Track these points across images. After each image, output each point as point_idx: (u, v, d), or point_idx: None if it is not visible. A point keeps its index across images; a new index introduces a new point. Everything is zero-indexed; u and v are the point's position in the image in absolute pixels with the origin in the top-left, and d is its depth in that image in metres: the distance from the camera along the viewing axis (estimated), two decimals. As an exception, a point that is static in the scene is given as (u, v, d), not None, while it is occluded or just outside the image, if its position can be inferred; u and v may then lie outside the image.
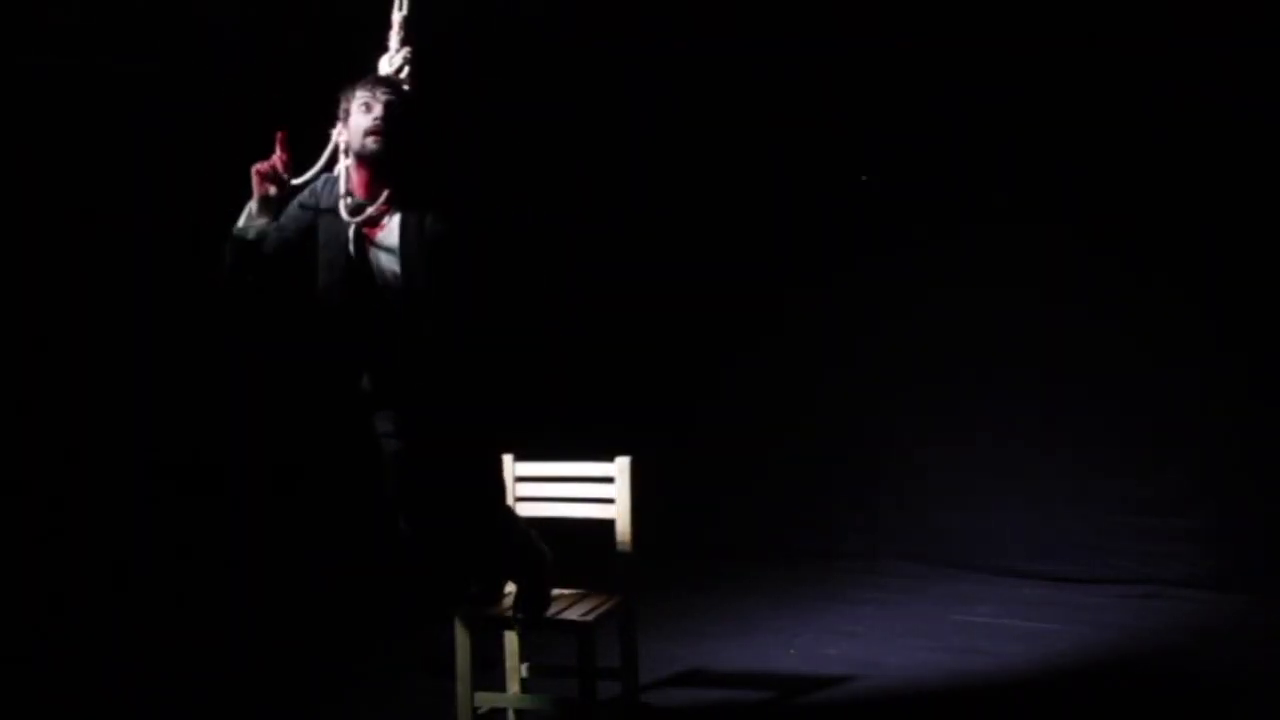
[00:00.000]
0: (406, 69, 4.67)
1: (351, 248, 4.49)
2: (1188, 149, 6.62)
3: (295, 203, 4.58)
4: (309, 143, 4.59)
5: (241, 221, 4.54)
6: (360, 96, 4.48)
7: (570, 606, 5.00)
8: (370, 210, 4.48)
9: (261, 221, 4.54)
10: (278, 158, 4.52)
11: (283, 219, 4.57)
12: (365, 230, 4.48)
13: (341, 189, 4.52)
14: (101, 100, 6.91)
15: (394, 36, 4.73)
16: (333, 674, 5.99)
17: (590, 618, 4.89)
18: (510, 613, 4.90)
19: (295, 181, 4.58)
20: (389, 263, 4.47)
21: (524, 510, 5.15)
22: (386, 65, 4.71)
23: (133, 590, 6.80)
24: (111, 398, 7.05)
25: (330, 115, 4.56)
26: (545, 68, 7.46)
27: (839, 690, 5.60)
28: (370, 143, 4.44)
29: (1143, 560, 6.77)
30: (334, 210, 4.51)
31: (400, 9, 4.74)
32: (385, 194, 4.47)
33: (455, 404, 4.55)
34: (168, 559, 7.02)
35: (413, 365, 4.53)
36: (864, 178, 7.37)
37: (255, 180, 4.51)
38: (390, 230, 4.47)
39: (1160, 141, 6.67)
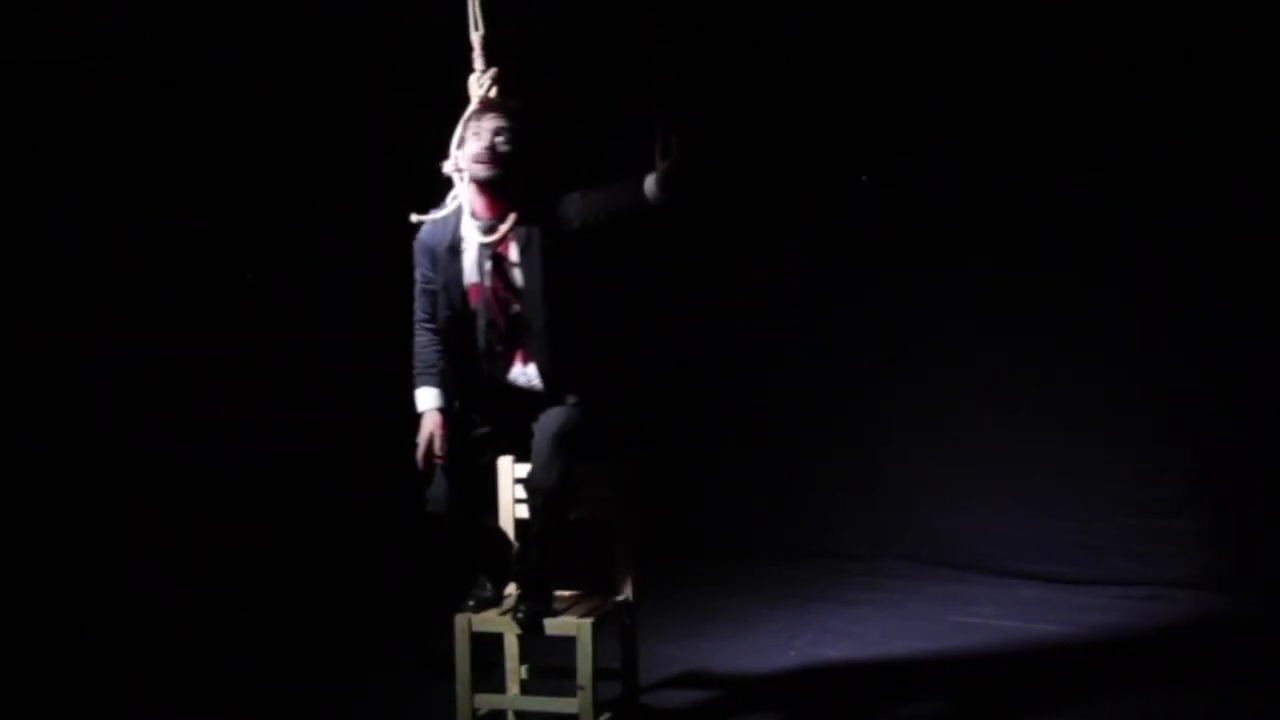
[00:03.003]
0: (496, 87, 4.78)
1: (488, 268, 4.71)
2: (1202, 121, 6.57)
3: (420, 250, 4.83)
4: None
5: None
6: (472, 125, 4.70)
7: (570, 608, 5.00)
8: (502, 229, 4.69)
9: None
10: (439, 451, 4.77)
11: (421, 279, 4.85)
12: (499, 250, 4.70)
13: (467, 214, 4.74)
14: (101, 101, 6.92)
15: (477, 57, 4.82)
16: (332, 675, 5.99)
17: (590, 619, 4.90)
18: (512, 613, 4.91)
19: (421, 218, 4.78)
20: (519, 277, 4.71)
21: (523, 512, 5.15)
22: (476, 87, 4.80)
23: (132, 589, 6.80)
24: (114, 397, 7.06)
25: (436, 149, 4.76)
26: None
27: (839, 690, 5.60)
28: (480, 169, 4.67)
29: (1142, 561, 6.77)
30: (451, 247, 4.75)
31: (477, 29, 4.81)
32: (513, 211, 4.68)
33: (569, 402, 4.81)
34: (167, 558, 7.02)
35: (555, 354, 4.76)
36: (863, 178, 7.36)
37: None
38: (516, 246, 4.71)
39: (1171, 116, 6.63)
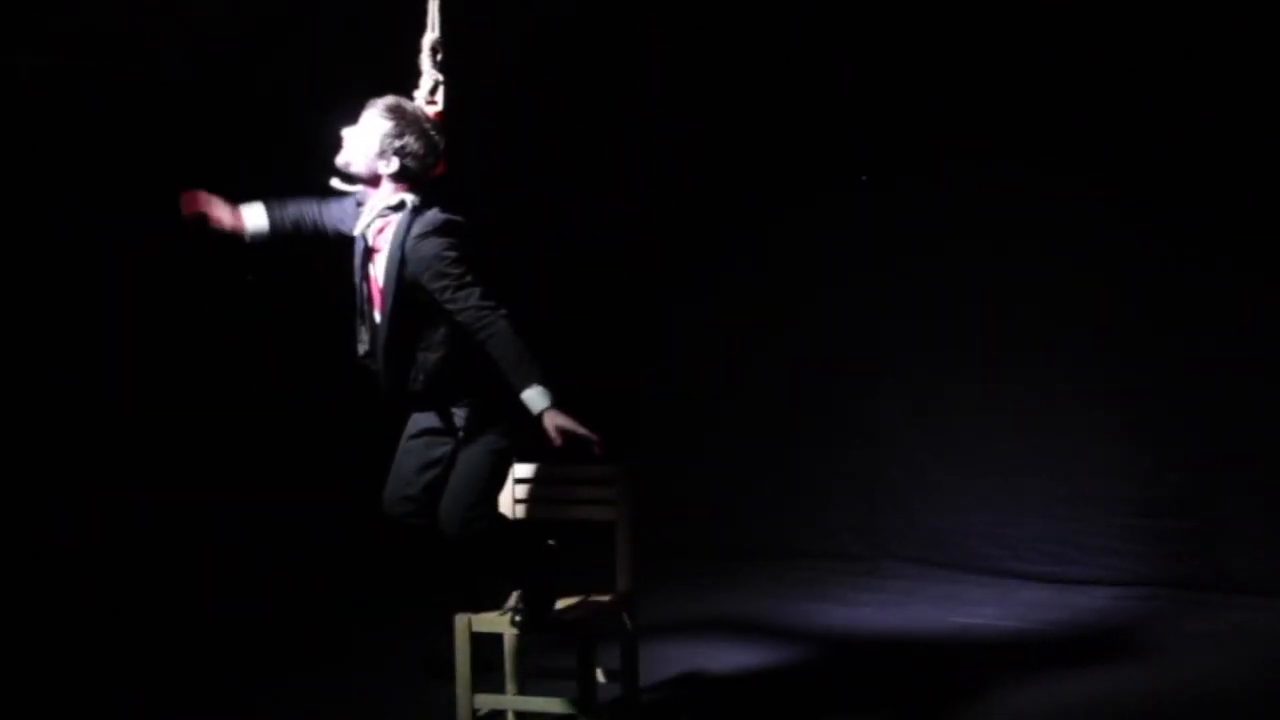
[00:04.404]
0: (440, 90, 4.74)
1: (359, 259, 4.63)
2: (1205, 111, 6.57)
3: (351, 203, 4.72)
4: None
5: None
6: None
7: (570, 608, 5.00)
8: (363, 222, 4.61)
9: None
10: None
11: (334, 203, 4.74)
12: (372, 244, 4.61)
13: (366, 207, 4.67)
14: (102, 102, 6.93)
15: (424, 59, 4.78)
16: (332, 675, 5.99)
17: (590, 619, 4.90)
18: (511, 614, 4.91)
19: (340, 185, 4.68)
20: (379, 278, 4.58)
21: (524, 512, 5.15)
22: (422, 88, 4.77)
23: (128, 586, 6.80)
24: (111, 397, 7.06)
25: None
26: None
27: (838, 692, 5.61)
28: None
29: (1141, 562, 6.77)
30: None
31: (433, 29, 4.78)
32: (381, 206, 4.59)
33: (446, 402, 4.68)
34: (165, 556, 7.02)
35: (396, 370, 4.61)
36: (863, 178, 7.36)
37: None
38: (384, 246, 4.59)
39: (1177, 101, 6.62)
